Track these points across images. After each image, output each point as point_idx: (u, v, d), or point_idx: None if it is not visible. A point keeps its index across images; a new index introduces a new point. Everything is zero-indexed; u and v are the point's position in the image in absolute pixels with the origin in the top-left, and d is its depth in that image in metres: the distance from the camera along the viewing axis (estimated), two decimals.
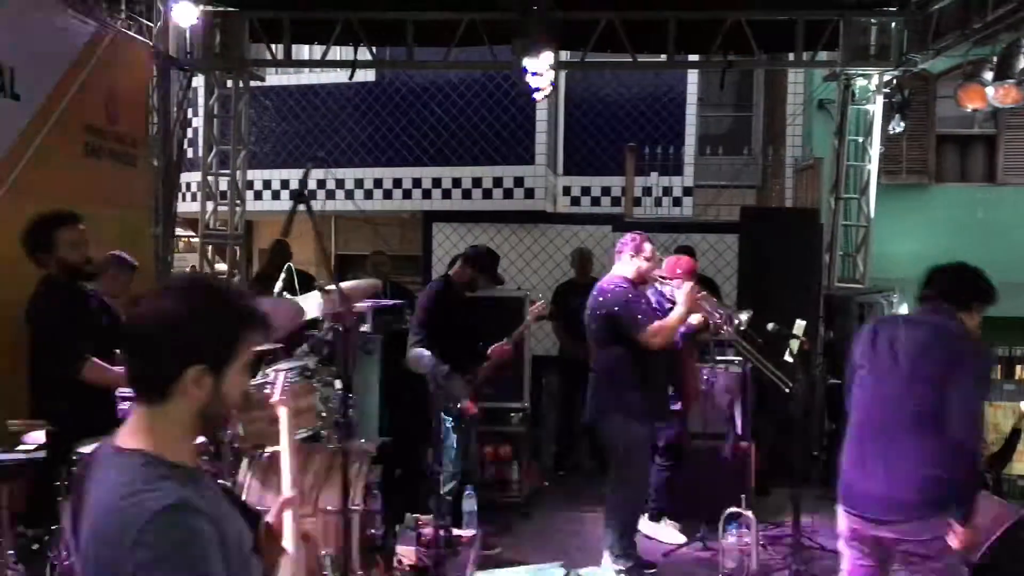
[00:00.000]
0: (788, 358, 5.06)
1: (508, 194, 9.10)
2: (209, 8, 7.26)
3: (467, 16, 7.34)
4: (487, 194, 9.19)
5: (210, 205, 7.89)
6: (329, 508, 3.22)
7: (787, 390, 4.91)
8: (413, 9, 7.35)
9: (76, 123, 5.50)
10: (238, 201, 7.99)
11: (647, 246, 4.79)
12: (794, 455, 6.07)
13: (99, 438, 1.68)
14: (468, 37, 7.43)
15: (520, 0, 5.91)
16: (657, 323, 4.53)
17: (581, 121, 10.04)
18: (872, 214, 7.73)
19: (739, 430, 5.33)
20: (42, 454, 3.16)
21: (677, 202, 10.00)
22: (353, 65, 7.60)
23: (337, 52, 7.73)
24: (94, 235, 4.17)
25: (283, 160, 9.84)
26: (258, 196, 9.90)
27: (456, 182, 9.26)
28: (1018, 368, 10.81)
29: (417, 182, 9.38)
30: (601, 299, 4.65)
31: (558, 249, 8.80)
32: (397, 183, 9.46)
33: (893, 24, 7.34)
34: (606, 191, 10.07)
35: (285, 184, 9.82)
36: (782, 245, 6.93)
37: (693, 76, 10.01)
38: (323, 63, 7.76)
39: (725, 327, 4.83)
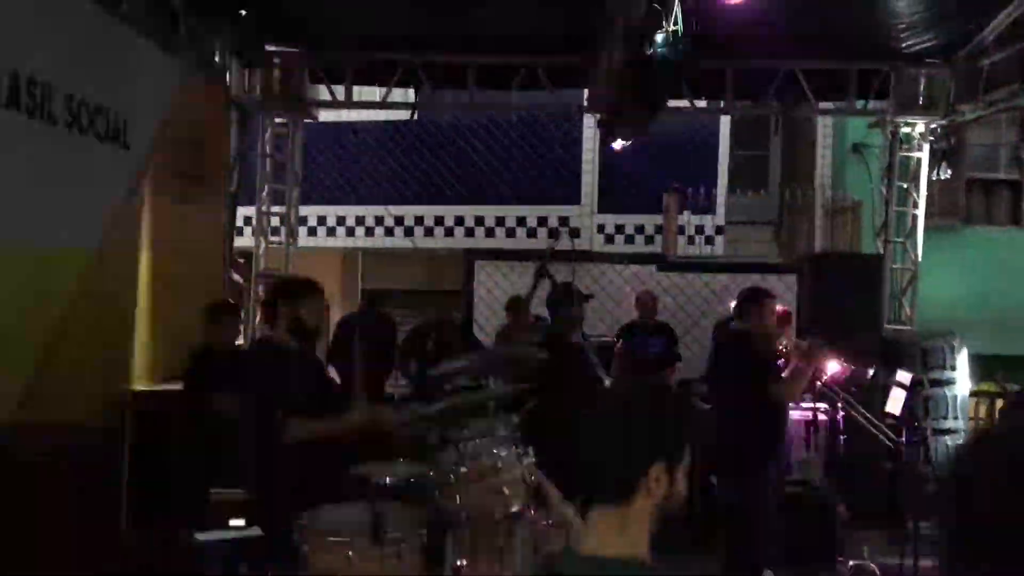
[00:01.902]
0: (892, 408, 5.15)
1: (553, 234, 9.17)
2: (273, 48, 7.27)
3: (528, 60, 7.45)
4: (531, 233, 9.25)
5: (262, 242, 7.84)
6: None
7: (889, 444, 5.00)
8: (473, 52, 7.43)
9: (170, 170, 5.47)
10: (291, 240, 7.96)
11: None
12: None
13: None
14: (529, 80, 7.53)
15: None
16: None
17: (616, 159, 10.15)
18: (919, 257, 7.94)
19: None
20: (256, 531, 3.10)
21: (709, 240, 10.14)
22: (414, 107, 7.65)
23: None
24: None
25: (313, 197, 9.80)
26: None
27: (499, 220, 9.31)
28: None
29: (459, 220, 9.41)
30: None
31: (603, 288, 8.88)
32: (439, 220, 9.48)
33: (941, 75, 7.59)
34: (639, 229, 10.17)
35: (322, 220, 9.78)
36: (845, 288, 7.08)
37: (726, 117, 10.19)
38: (383, 105, 7.77)
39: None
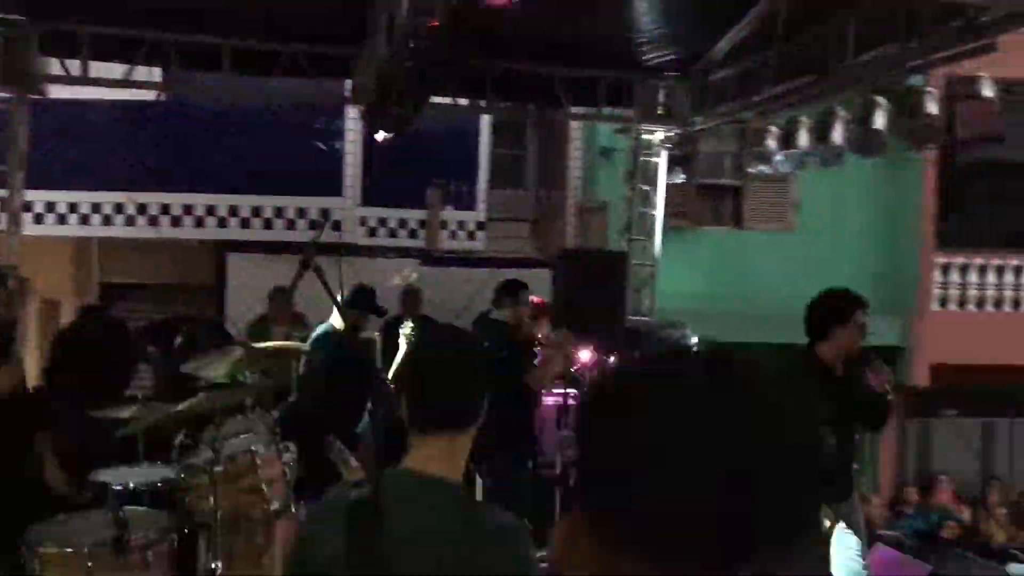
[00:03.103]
0: None
1: (315, 225, 8.94)
2: None
3: (292, 47, 7.22)
4: (290, 225, 8.95)
5: None
6: None
7: None
8: (233, 35, 7.08)
9: None
10: (13, 228, 7.14)
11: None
12: None
13: None
14: (291, 68, 7.29)
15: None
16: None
17: (379, 152, 10.09)
18: (658, 254, 8.66)
19: None
20: None
21: (471, 235, 10.38)
22: (161, 87, 7.15)
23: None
24: None
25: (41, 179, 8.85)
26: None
27: (256, 211, 8.92)
28: None
29: (211, 209, 8.90)
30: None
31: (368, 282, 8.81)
32: (188, 209, 8.90)
33: (679, 88, 8.31)
34: (402, 223, 10.20)
35: (51, 207, 8.85)
36: (593, 282, 7.55)
37: (487, 116, 10.46)
38: (125, 83, 7.18)
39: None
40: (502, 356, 4.80)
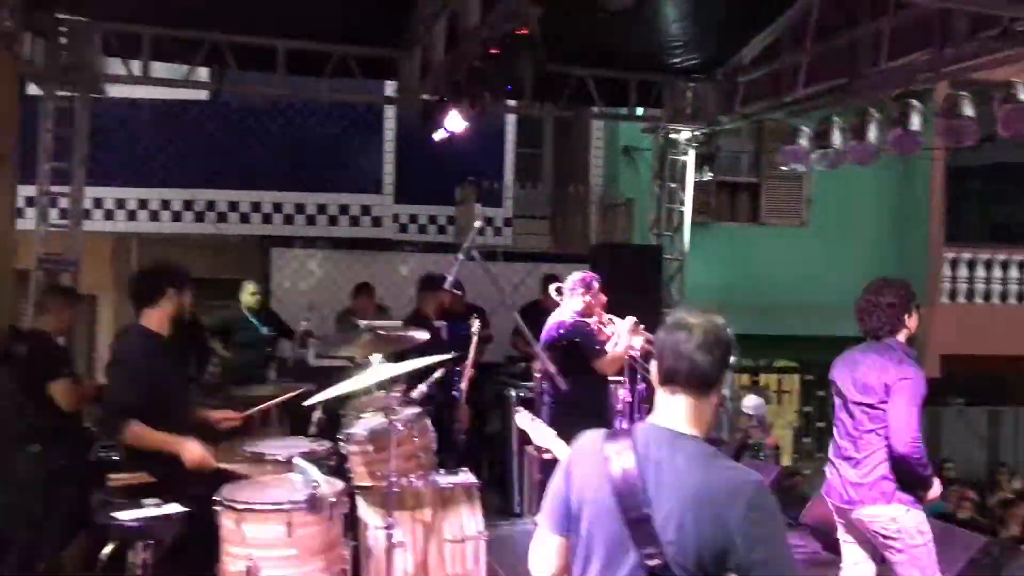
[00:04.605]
0: None
1: (355, 222, 9.25)
2: (63, 17, 6.75)
3: (341, 48, 7.51)
4: (332, 221, 9.26)
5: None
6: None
7: None
8: (286, 36, 7.37)
9: None
10: (77, 223, 7.39)
11: (596, 284, 5.42)
12: None
13: None
14: (340, 68, 7.58)
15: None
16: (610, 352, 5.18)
17: (410, 150, 10.39)
18: (687, 248, 9.03)
19: None
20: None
21: (498, 232, 10.70)
22: (219, 87, 7.42)
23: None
24: None
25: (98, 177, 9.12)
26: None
27: (299, 207, 9.22)
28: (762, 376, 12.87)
29: (256, 206, 9.19)
30: (562, 331, 5.18)
31: (404, 276, 9.15)
32: (233, 206, 9.19)
33: (705, 89, 8.66)
34: (432, 219, 10.51)
35: (99, 203, 9.11)
36: (629, 276, 7.88)
37: (512, 115, 10.78)
38: (185, 83, 7.46)
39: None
40: (575, 342, 5.13)
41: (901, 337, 3.88)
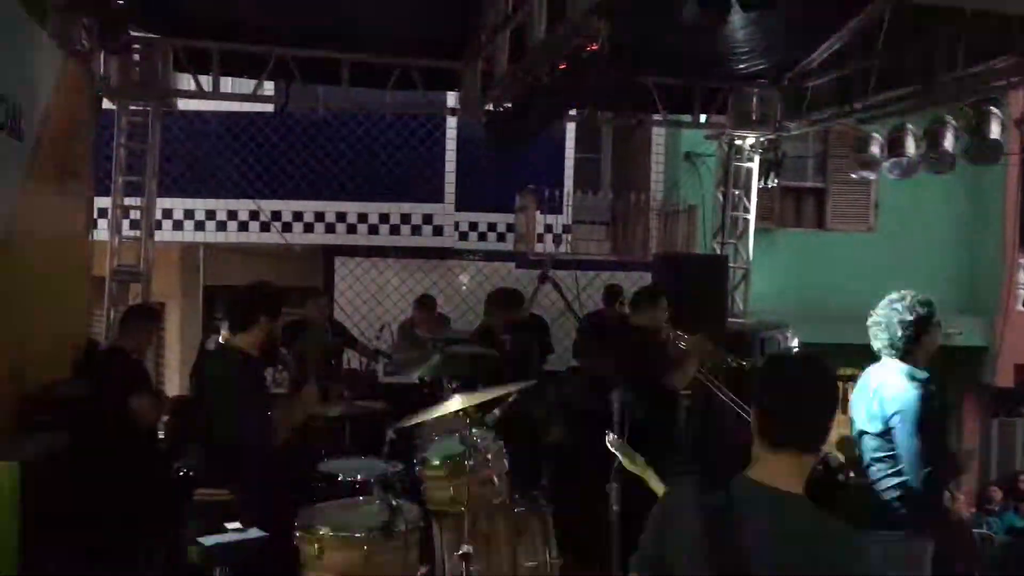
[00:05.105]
0: None
1: (416, 231, 9.32)
2: (135, 34, 6.92)
3: (403, 61, 7.57)
4: (394, 230, 9.34)
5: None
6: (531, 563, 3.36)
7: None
8: (349, 50, 7.44)
9: (52, 159, 5.12)
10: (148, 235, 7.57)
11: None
12: None
13: None
14: (403, 80, 7.64)
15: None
16: None
17: (471, 159, 10.42)
18: (751, 256, 8.87)
19: None
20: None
21: (557, 239, 10.66)
22: (285, 101, 7.53)
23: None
24: None
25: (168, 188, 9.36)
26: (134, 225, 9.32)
27: (362, 217, 9.33)
28: None
29: (320, 215, 9.32)
30: None
31: (464, 284, 9.17)
32: (297, 215, 9.34)
33: (771, 95, 8.50)
34: (492, 227, 10.52)
35: (168, 213, 9.33)
36: (693, 285, 7.76)
37: (571, 123, 10.72)
38: (254, 97, 7.59)
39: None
40: (646, 359, 5.07)
41: None
